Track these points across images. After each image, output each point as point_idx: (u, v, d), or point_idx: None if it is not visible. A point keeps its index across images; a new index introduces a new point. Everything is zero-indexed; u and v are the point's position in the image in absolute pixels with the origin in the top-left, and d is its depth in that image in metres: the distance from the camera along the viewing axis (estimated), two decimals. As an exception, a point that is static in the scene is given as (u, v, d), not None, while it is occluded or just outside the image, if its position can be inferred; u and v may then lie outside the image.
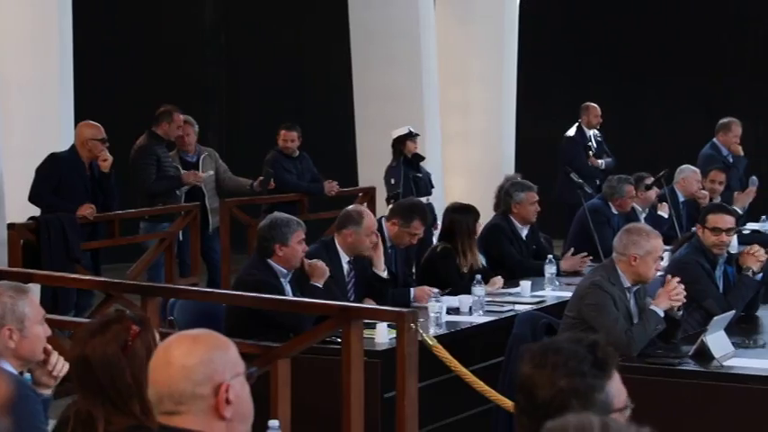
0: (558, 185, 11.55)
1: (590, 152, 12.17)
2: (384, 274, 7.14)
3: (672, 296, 5.89)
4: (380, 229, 7.62)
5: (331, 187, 11.14)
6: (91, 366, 3.31)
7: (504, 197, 8.77)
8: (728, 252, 7.09)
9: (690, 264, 6.66)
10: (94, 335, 3.35)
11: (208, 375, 2.66)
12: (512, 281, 8.08)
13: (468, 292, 7.11)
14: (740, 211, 10.93)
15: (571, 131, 12.39)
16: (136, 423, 3.28)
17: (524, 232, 8.73)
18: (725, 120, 11.86)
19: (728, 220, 6.84)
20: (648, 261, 5.94)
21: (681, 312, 6.04)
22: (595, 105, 12.44)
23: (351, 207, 7.29)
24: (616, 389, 2.59)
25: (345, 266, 7.05)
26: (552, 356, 2.55)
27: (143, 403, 3.21)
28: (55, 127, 9.28)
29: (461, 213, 7.96)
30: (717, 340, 5.69)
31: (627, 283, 6.00)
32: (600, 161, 12.19)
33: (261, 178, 10.80)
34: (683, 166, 10.96)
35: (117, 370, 3.30)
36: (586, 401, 2.51)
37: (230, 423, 2.68)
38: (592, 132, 12.36)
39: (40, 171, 8.77)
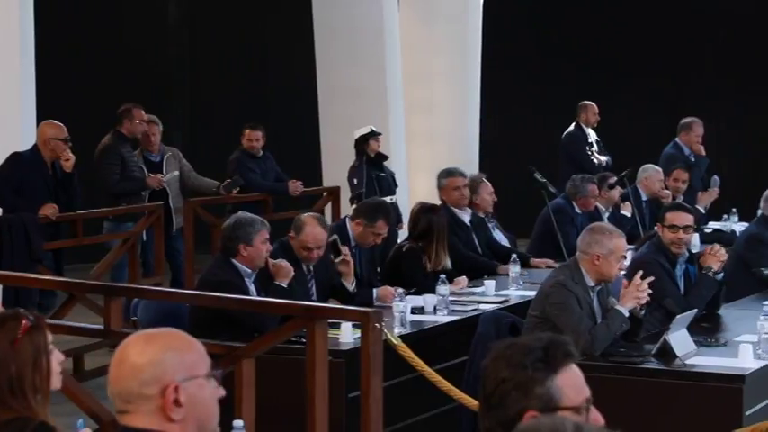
0: (561, 182, 11.65)
1: (593, 149, 12.20)
2: (351, 287, 7.16)
3: (638, 293, 5.92)
4: (345, 228, 7.63)
5: (295, 187, 11.12)
6: None
7: (439, 188, 8.98)
8: (690, 251, 7.14)
9: (650, 263, 6.70)
10: None
11: (156, 376, 2.62)
12: (476, 280, 8.11)
13: (433, 291, 7.12)
14: (703, 211, 11.00)
15: (572, 129, 12.41)
16: (15, 416, 3.33)
17: (466, 218, 8.80)
18: (687, 120, 11.94)
19: (686, 218, 6.88)
20: (611, 260, 5.98)
21: (643, 312, 6.08)
22: (593, 104, 12.46)
23: (306, 214, 7.24)
24: (567, 386, 2.58)
25: (304, 267, 7.04)
26: (505, 350, 2.59)
27: (25, 398, 3.34)
28: (17, 127, 9.21)
29: (438, 214, 8.01)
30: (679, 339, 5.73)
31: (590, 283, 6.03)
32: (603, 158, 12.24)
33: (228, 181, 10.77)
34: (646, 165, 11.01)
35: (3, 367, 3.35)
36: (525, 393, 2.53)
37: (184, 426, 2.64)
38: (590, 130, 12.38)
39: (2, 171, 8.71)
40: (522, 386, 2.54)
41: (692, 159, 11.76)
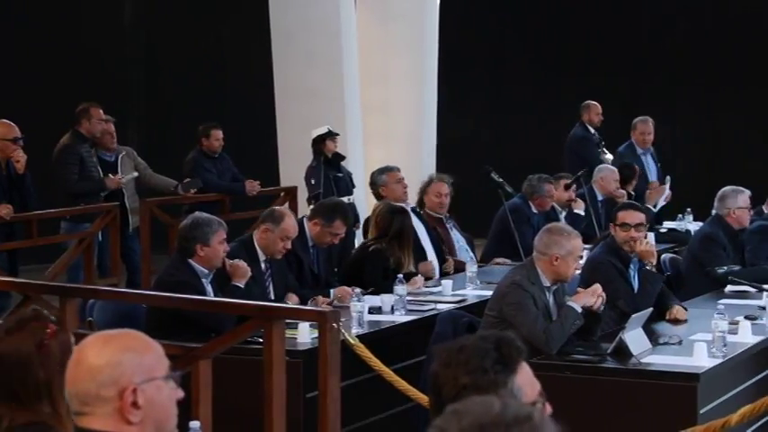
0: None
1: (600, 148, 12.25)
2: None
3: (592, 298, 5.99)
4: (302, 228, 7.63)
5: (252, 187, 11.10)
6: (3, 364, 3.23)
7: (372, 187, 9.12)
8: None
9: (603, 263, 6.74)
10: (11, 332, 3.30)
11: (114, 377, 2.61)
12: (433, 280, 8.14)
13: (390, 291, 7.13)
14: (653, 209, 11.05)
15: (578, 130, 12.43)
16: (33, 420, 3.21)
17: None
18: (636, 119, 12.06)
19: (637, 216, 6.93)
20: (569, 261, 6.03)
21: (601, 308, 6.12)
22: (596, 103, 12.50)
23: (279, 207, 7.31)
24: (524, 383, 2.60)
25: (263, 264, 7.04)
26: (456, 355, 2.57)
27: (53, 404, 3.17)
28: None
29: (408, 217, 8.05)
30: (635, 338, 5.77)
31: (546, 282, 6.06)
32: (608, 157, 12.30)
33: (187, 180, 10.72)
34: (601, 165, 11.08)
35: (29, 368, 3.24)
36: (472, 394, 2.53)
37: (142, 428, 2.63)
38: (593, 130, 12.42)
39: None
40: (485, 391, 2.51)
41: (642, 158, 11.87)
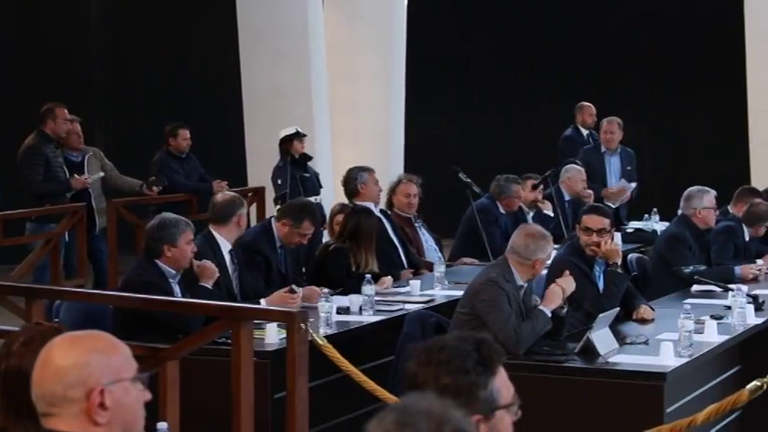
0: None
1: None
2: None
3: (559, 294, 6.04)
4: (270, 228, 7.61)
5: (220, 187, 11.07)
6: (27, 380, 2.84)
7: (346, 184, 9.03)
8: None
9: (566, 265, 6.74)
10: (28, 344, 3.19)
11: (81, 378, 2.60)
12: (401, 280, 8.15)
13: (359, 291, 7.14)
14: (612, 206, 11.07)
15: (568, 132, 12.45)
16: None
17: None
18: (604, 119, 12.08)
19: (600, 221, 6.92)
20: (545, 262, 6.18)
21: (565, 309, 6.15)
22: (590, 104, 12.49)
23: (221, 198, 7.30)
24: (501, 385, 2.60)
25: (227, 256, 7.02)
26: (437, 354, 2.56)
27: None
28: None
29: (368, 216, 8.03)
30: (602, 337, 5.80)
31: (520, 282, 6.10)
32: None
33: (152, 179, 10.70)
34: (569, 165, 11.11)
35: None
36: (469, 398, 2.53)
37: (109, 429, 2.62)
38: (587, 132, 12.42)
39: None
40: (466, 392, 2.53)
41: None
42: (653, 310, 6.93)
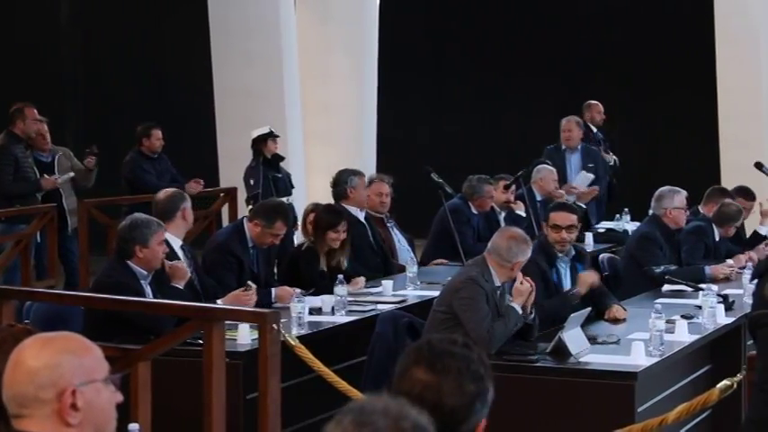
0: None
1: (600, 147, 12.27)
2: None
3: (519, 286, 6.08)
4: (242, 229, 7.61)
5: (192, 186, 11.04)
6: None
7: (336, 186, 8.97)
8: (577, 250, 7.26)
9: (529, 263, 6.69)
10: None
11: (52, 380, 2.60)
12: (374, 280, 8.15)
13: (331, 291, 7.14)
14: (584, 207, 11.11)
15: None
16: None
17: (361, 216, 8.87)
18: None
19: (568, 218, 6.97)
20: (522, 266, 6.21)
21: (532, 315, 6.17)
22: (597, 102, 12.51)
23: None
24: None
25: (179, 252, 7.00)
26: (451, 361, 2.52)
27: None
28: None
29: (327, 212, 8.01)
30: (573, 337, 5.82)
31: (498, 282, 6.13)
32: (611, 157, 12.32)
33: (87, 150, 10.61)
34: (540, 165, 11.14)
35: None
36: (484, 403, 2.54)
37: (80, 430, 2.61)
38: (596, 129, 12.43)
39: None
40: (483, 397, 2.54)
41: (567, 155, 11.95)
42: (625, 309, 6.95)
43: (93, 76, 15.83)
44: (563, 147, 11.84)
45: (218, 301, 6.80)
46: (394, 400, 2.15)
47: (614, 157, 12.41)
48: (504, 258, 6.10)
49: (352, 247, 8.49)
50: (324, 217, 7.90)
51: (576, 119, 11.92)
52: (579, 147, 11.81)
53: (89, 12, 15.84)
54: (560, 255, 6.97)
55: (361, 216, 8.90)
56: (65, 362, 2.62)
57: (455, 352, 2.55)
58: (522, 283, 6.10)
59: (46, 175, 10.12)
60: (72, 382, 2.60)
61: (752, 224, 9.72)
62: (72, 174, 10.47)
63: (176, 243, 7.00)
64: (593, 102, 12.57)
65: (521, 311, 6.01)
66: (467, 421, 2.49)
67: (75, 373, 2.62)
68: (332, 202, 8.81)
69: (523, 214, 10.34)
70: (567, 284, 6.99)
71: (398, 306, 7.31)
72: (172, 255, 6.83)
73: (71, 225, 10.39)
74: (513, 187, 10.34)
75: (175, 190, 7.43)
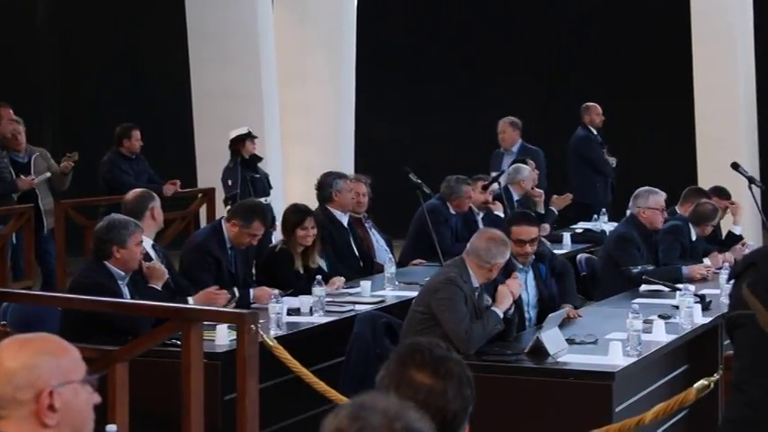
0: (578, 185, 11.79)
1: (604, 149, 12.30)
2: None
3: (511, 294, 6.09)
4: (220, 229, 7.60)
5: (168, 188, 11.02)
6: None
7: (321, 188, 8.94)
8: (547, 252, 7.29)
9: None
10: None
11: (30, 381, 2.60)
12: (353, 281, 8.15)
13: (308, 291, 7.14)
14: (556, 212, 11.13)
15: (581, 132, 12.46)
16: None
17: (345, 220, 8.86)
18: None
19: (532, 231, 6.91)
20: (500, 267, 6.22)
21: (511, 310, 6.19)
22: (595, 104, 12.51)
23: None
24: None
25: (151, 251, 6.99)
26: (452, 365, 2.54)
27: None
28: None
29: (293, 212, 8.01)
30: (551, 337, 5.83)
31: (476, 283, 6.13)
32: (612, 159, 12.33)
33: (68, 155, 10.57)
34: (519, 166, 11.16)
35: None
36: (470, 407, 2.55)
37: (58, 431, 2.61)
38: (596, 131, 12.44)
39: None
40: (473, 402, 2.55)
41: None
42: (576, 308, 6.96)
43: (70, 76, 15.78)
44: (501, 148, 11.92)
45: (189, 299, 6.80)
46: (398, 402, 2.15)
47: (614, 158, 12.45)
48: (482, 260, 6.12)
49: (334, 250, 8.50)
50: (290, 217, 7.91)
51: (510, 119, 12.00)
52: (516, 148, 11.85)
53: (66, 12, 15.78)
54: (521, 267, 6.95)
55: (344, 219, 8.90)
56: (42, 363, 2.62)
57: (452, 357, 2.56)
58: (504, 287, 6.12)
59: (22, 176, 10.09)
60: (49, 383, 2.60)
61: (726, 224, 9.77)
62: (48, 174, 10.43)
63: (148, 243, 6.99)
64: (592, 104, 12.58)
65: (501, 316, 6.03)
66: (462, 425, 2.51)
67: (53, 374, 2.61)
68: (309, 202, 8.79)
69: (501, 215, 10.35)
70: (530, 291, 6.99)
71: (377, 306, 7.31)
72: (144, 255, 6.81)
73: (47, 226, 10.35)
74: (492, 187, 10.36)
75: (143, 190, 7.43)
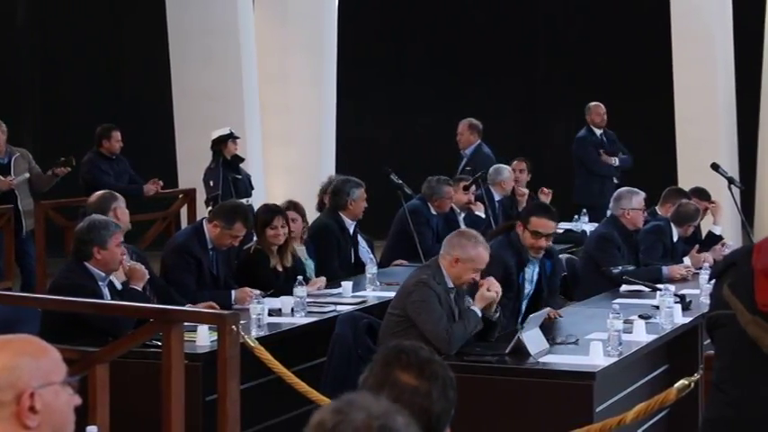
0: (577, 186, 11.81)
1: (601, 150, 12.29)
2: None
3: (487, 293, 6.05)
4: (202, 230, 7.58)
5: (149, 188, 10.99)
6: None
7: (336, 194, 8.85)
8: (555, 250, 7.31)
9: (495, 259, 6.60)
10: None
11: (11, 382, 2.58)
12: (334, 281, 8.15)
13: (286, 291, 7.14)
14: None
15: (581, 132, 12.47)
16: None
17: (352, 228, 8.89)
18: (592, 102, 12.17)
19: (551, 226, 6.93)
20: (468, 266, 6.12)
21: (497, 314, 6.18)
22: (598, 104, 12.49)
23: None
24: None
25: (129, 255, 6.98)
26: (437, 368, 2.54)
27: None
28: None
29: (264, 211, 8.01)
30: (532, 337, 5.84)
31: (450, 284, 6.12)
32: (613, 159, 12.33)
33: (62, 159, 10.54)
34: (499, 166, 11.18)
35: None
36: (454, 409, 2.56)
37: None
38: (601, 131, 12.44)
39: None
40: (454, 404, 2.55)
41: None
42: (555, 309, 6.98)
43: (50, 76, 15.72)
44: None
45: (232, 293, 7.17)
46: (387, 403, 2.16)
47: (623, 156, 12.46)
48: (445, 251, 6.11)
49: (331, 256, 8.50)
50: (260, 216, 7.91)
51: (469, 121, 11.96)
52: (469, 150, 11.87)
53: (46, 12, 15.73)
54: (533, 258, 6.96)
55: (351, 228, 8.89)
56: (23, 364, 2.60)
57: (436, 359, 2.57)
58: (488, 290, 6.09)
59: (1, 177, 10.04)
60: (30, 385, 2.59)
61: (707, 225, 9.81)
62: (27, 174, 10.39)
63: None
64: (594, 103, 12.56)
65: (480, 315, 6.03)
66: (444, 427, 2.51)
67: (33, 376, 2.60)
68: (284, 200, 8.75)
69: (483, 215, 10.37)
70: (532, 286, 7.01)
71: (358, 307, 7.31)
72: None
73: (27, 227, 10.31)
74: (473, 188, 10.37)
75: (106, 191, 7.45)
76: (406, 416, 2.17)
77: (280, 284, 7.53)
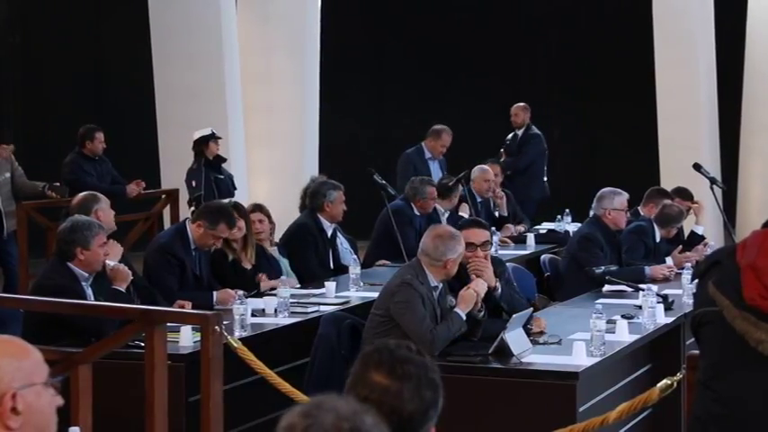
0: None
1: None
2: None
3: (466, 293, 6.06)
4: (185, 230, 7.57)
5: (132, 189, 10.96)
6: None
7: (314, 196, 8.86)
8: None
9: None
10: None
11: None
12: (314, 282, 8.15)
13: (246, 286, 7.16)
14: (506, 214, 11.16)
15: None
16: None
17: (330, 231, 8.88)
18: (437, 126, 12.00)
19: (482, 234, 6.57)
20: (458, 260, 6.15)
21: (482, 313, 6.19)
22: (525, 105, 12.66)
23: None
24: None
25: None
26: (411, 367, 2.54)
27: None
28: None
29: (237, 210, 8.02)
30: (515, 337, 5.85)
31: (434, 282, 6.13)
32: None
33: (57, 184, 10.53)
34: (477, 166, 11.20)
35: None
36: (436, 410, 2.56)
37: None
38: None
39: None
40: (436, 405, 2.56)
41: (429, 163, 11.81)
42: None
43: (32, 75, 15.66)
44: (427, 155, 11.82)
45: (214, 294, 7.15)
46: (355, 404, 2.17)
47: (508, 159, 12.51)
48: (433, 258, 6.11)
49: (308, 255, 8.50)
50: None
51: (523, 104, 12.09)
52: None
53: (28, 11, 15.67)
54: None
55: (329, 230, 8.89)
56: (4, 365, 2.60)
57: (414, 359, 2.57)
58: (467, 289, 6.10)
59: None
60: (12, 386, 2.59)
61: (689, 225, 9.83)
62: (7, 174, 10.34)
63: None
64: (521, 104, 12.66)
65: (464, 318, 6.03)
66: (421, 428, 2.51)
67: (15, 377, 2.60)
68: (273, 202, 8.76)
69: (466, 215, 10.37)
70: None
71: (341, 308, 7.31)
72: None
73: (8, 228, 10.28)
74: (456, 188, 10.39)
75: (88, 193, 7.44)
76: (375, 415, 2.17)
77: (246, 281, 7.54)
